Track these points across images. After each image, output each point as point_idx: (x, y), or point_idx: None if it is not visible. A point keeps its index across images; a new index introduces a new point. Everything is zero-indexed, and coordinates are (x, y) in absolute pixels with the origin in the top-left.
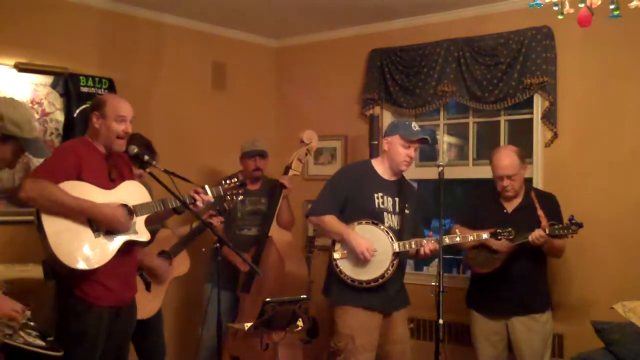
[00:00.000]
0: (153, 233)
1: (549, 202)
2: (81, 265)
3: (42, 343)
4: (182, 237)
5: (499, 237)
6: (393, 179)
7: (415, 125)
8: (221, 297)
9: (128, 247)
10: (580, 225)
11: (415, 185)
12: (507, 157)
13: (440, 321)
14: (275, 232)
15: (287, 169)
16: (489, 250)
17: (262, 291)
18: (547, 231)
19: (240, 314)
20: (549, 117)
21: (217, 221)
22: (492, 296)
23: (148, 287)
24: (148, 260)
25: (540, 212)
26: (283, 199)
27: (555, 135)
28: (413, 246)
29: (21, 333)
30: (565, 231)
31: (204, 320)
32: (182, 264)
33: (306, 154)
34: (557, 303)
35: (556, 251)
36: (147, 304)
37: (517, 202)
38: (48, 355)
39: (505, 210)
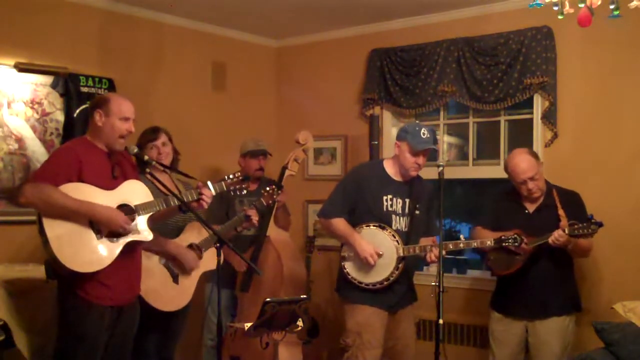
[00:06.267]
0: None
1: (572, 200)
2: (84, 268)
3: None
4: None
5: (504, 244)
6: (404, 179)
7: (424, 132)
8: (220, 295)
9: (131, 248)
10: (600, 225)
11: (428, 183)
12: (524, 161)
13: (440, 321)
14: (273, 231)
15: (284, 169)
16: (509, 251)
17: (261, 290)
18: (566, 231)
19: (239, 313)
20: (549, 117)
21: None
22: (514, 297)
23: (175, 279)
24: (173, 247)
25: (560, 212)
26: (278, 202)
27: (555, 135)
28: (417, 252)
29: None
30: (585, 231)
31: (205, 320)
32: (213, 259)
33: (302, 155)
34: None
35: (582, 251)
36: (173, 296)
37: (538, 201)
38: None
39: (526, 211)
